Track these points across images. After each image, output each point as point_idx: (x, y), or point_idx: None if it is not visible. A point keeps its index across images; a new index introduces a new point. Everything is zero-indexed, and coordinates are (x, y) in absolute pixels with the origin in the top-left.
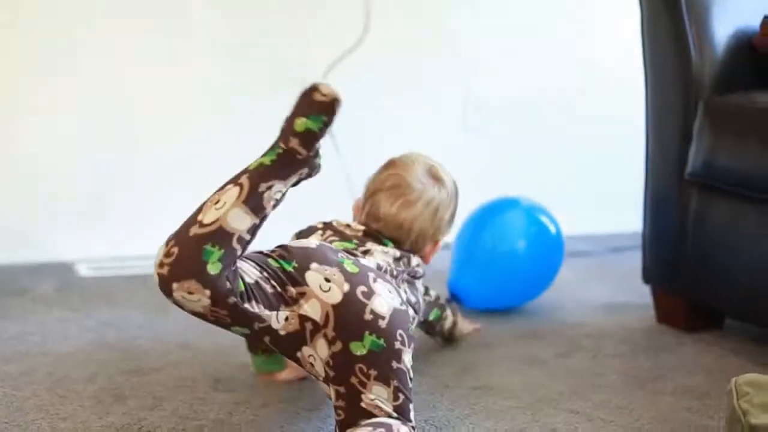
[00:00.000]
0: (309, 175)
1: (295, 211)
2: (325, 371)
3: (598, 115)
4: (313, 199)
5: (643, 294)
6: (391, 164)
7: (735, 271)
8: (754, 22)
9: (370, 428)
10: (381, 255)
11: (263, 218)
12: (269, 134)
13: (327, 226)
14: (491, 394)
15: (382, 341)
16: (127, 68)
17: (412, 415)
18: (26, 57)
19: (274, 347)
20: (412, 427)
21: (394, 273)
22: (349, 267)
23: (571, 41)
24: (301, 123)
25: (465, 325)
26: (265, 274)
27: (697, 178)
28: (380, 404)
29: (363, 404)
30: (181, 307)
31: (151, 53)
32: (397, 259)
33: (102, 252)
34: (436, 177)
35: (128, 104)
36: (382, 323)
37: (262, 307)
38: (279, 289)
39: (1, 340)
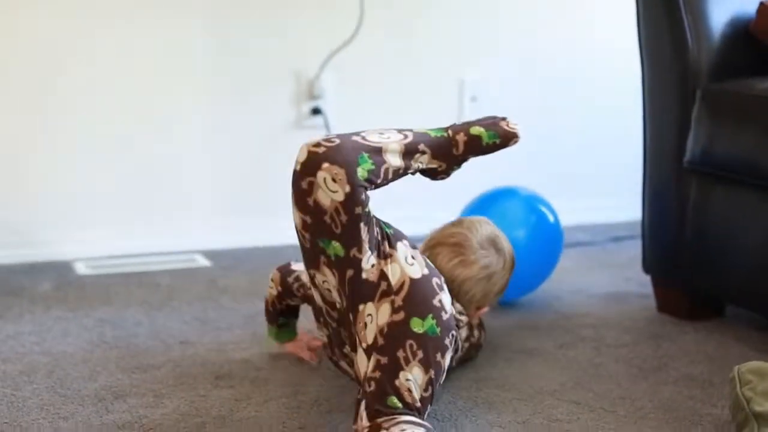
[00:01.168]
0: (435, 175)
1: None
2: (375, 338)
3: (596, 105)
4: None
5: (643, 283)
6: (458, 222)
7: (735, 259)
8: (751, 9)
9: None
10: None
11: (403, 173)
12: (267, 128)
13: None
14: (492, 386)
15: (438, 329)
16: (124, 67)
17: (427, 413)
18: (24, 57)
19: (344, 287)
20: (426, 427)
21: None
22: (428, 261)
23: (568, 30)
24: (476, 130)
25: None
26: (375, 221)
27: (695, 166)
28: (412, 388)
29: (397, 381)
30: (306, 195)
31: (147, 49)
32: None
33: (100, 250)
34: (497, 247)
35: (125, 103)
36: (444, 315)
37: (369, 238)
38: (379, 239)
39: None
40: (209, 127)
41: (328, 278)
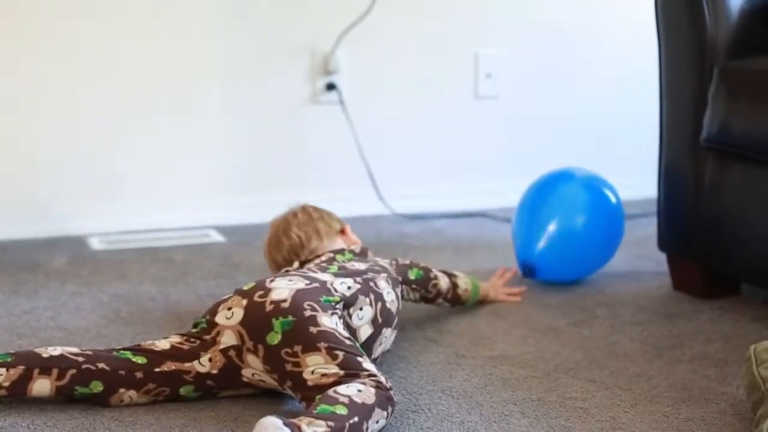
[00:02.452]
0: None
1: (306, 177)
2: (272, 379)
3: (612, 81)
4: (322, 166)
5: (659, 261)
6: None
7: (751, 237)
8: None
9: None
10: (321, 274)
11: None
12: (279, 103)
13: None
14: (507, 363)
15: (289, 317)
16: (140, 43)
17: (366, 364)
18: (35, 36)
19: (219, 389)
20: (371, 376)
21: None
22: (247, 287)
23: (585, 6)
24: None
25: (493, 292)
26: (183, 338)
27: (712, 144)
28: (323, 371)
29: (310, 383)
30: None
31: (163, 25)
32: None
33: (115, 225)
34: (289, 212)
35: (141, 79)
36: (285, 305)
37: (178, 363)
38: (197, 343)
39: (14, 315)
40: (224, 103)
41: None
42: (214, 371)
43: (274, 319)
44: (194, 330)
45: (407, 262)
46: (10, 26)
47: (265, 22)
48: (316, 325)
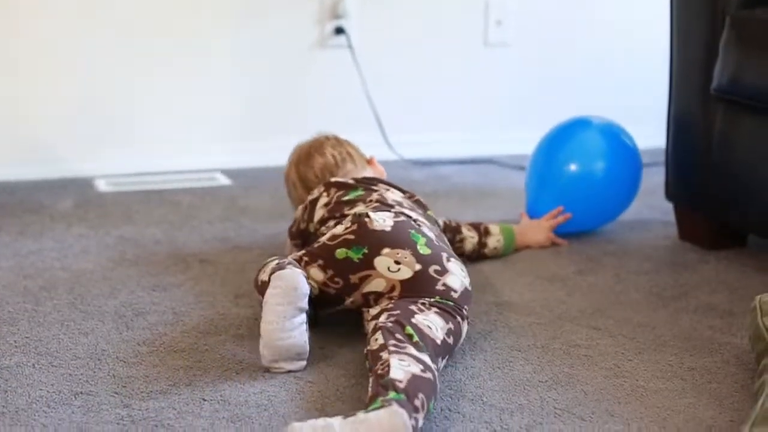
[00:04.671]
0: None
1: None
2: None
3: (622, 29)
4: (330, 110)
5: (665, 211)
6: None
7: (760, 188)
8: None
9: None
10: (391, 193)
11: None
12: (287, 47)
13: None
14: (512, 310)
15: (451, 303)
16: None
17: (441, 363)
18: None
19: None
20: (436, 369)
21: (408, 204)
22: (422, 249)
23: None
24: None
25: (533, 234)
26: (329, 273)
27: (722, 94)
28: (431, 326)
29: (414, 319)
30: None
31: None
32: (395, 189)
33: (121, 168)
34: (314, 145)
35: (147, 24)
36: (454, 294)
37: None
38: (341, 284)
39: (20, 256)
40: (232, 47)
41: None
42: (349, 305)
43: (438, 297)
44: (342, 255)
45: (441, 220)
46: None
47: None
48: (459, 324)
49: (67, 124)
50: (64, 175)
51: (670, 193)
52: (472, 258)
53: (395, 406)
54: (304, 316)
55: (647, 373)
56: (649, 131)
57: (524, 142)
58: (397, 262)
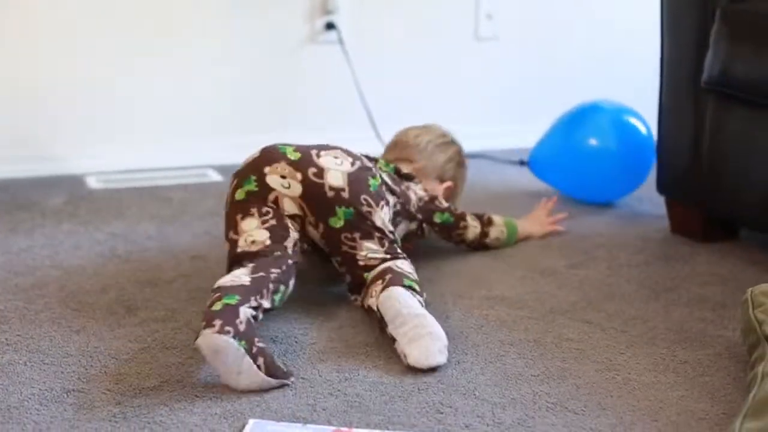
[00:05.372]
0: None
1: (305, 117)
2: (324, 248)
3: (612, 22)
4: (321, 106)
5: (657, 204)
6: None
7: (751, 181)
8: None
9: (380, 281)
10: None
11: None
12: (278, 42)
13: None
14: (504, 304)
15: (351, 209)
16: None
17: (399, 249)
18: None
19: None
20: (405, 258)
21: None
22: (292, 155)
23: None
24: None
25: (534, 228)
26: (254, 215)
27: (712, 87)
28: (372, 255)
29: (360, 262)
30: None
31: None
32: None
33: (112, 164)
34: (428, 128)
35: (138, 18)
36: (344, 194)
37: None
38: (268, 214)
39: (11, 254)
40: (223, 42)
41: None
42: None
43: (337, 207)
44: (239, 197)
45: (443, 205)
46: None
47: None
48: (371, 220)
49: (58, 122)
50: (55, 173)
51: (662, 186)
52: (472, 247)
53: None
54: (248, 359)
55: (639, 366)
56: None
57: (516, 137)
58: (283, 176)
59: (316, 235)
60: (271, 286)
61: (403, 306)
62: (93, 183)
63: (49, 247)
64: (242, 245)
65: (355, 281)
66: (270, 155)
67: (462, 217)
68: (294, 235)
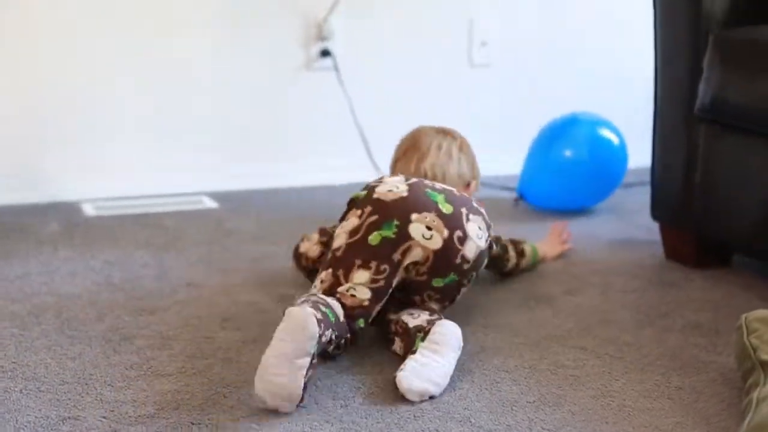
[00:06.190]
0: None
1: (300, 144)
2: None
3: (608, 50)
4: (317, 133)
5: (651, 230)
6: (404, 138)
7: (744, 208)
8: None
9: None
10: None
11: None
12: (273, 69)
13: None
14: (500, 331)
15: (457, 278)
16: (130, 11)
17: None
18: (25, 7)
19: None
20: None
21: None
22: (444, 207)
23: None
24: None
25: (549, 250)
26: (373, 265)
27: (706, 114)
28: (430, 314)
29: (415, 312)
30: None
31: None
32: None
33: (108, 192)
34: (443, 130)
35: (132, 46)
36: (466, 266)
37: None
38: (388, 269)
39: (7, 281)
40: (218, 68)
41: None
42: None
43: (452, 273)
44: (372, 242)
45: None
46: None
47: None
48: (459, 292)
49: (54, 149)
50: (51, 200)
51: (656, 213)
52: (503, 274)
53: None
54: (306, 360)
55: (634, 392)
56: (634, 151)
57: (510, 163)
58: (429, 228)
59: (405, 283)
60: (335, 338)
61: (448, 340)
62: (89, 210)
63: (44, 274)
64: (341, 290)
65: (400, 327)
66: (421, 200)
67: (506, 249)
68: (389, 291)
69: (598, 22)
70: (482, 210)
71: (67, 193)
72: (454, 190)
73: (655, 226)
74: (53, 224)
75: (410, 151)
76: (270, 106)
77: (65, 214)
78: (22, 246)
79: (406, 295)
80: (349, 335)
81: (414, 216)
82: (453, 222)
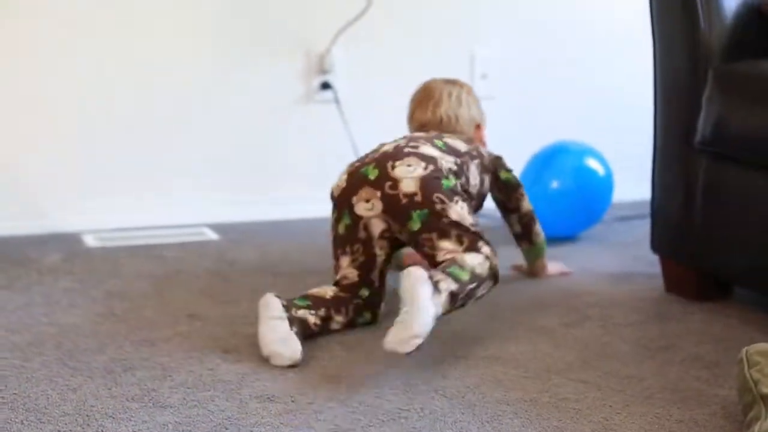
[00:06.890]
0: None
1: (301, 176)
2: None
3: (606, 83)
4: (318, 165)
5: (651, 263)
6: (416, 90)
7: (744, 240)
8: None
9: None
10: (430, 149)
11: None
12: (277, 101)
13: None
14: (500, 363)
15: (425, 210)
16: (130, 40)
17: (483, 246)
18: (24, 25)
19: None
20: (486, 257)
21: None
22: (371, 174)
23: (582, 8)
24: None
25: (551, 266)
26: (349, 253)
27: (706, 146)
28: (451, 253)
29: (439, 260)
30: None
31: (154, 20)
32: (448, 151)
33: (109, 223)
34: (450, 81)
35: (133, 77)
36: (417, 198)
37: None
38: (358, 251)
39: (7, 311)
40: (219, 102)
41: None
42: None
43: (412, 211)
44: (341, 231)
45: (507, 166)
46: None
47: (260, 20)
48: (447, 216)
49: (55, 179)
50: (52, 230)
51: (656, 245)
52: (522, 223)
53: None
54: (284, 322)
55: (635, 426)
56: (634, 183)
57: None
58: (367, 200)
59: (405, 237)
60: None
61: (407, 288)
62: (90, 241)
63: (45, 304)
64: (338, 279)
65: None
66: (354, 182)
67: (522, 185)
68: (380, 260)
69: (601, 56)
70: (417, 149)
71: (68, 224)
72: (385, 154)
73: (655, 259)
74: (54, 255)
75: (425, 101)
76: (271, 138)
77: (66, 244)
78: (23, 276)
79: (421, 251)
80: (355, 302)
81: (354, 199)
82: (380, 181)
